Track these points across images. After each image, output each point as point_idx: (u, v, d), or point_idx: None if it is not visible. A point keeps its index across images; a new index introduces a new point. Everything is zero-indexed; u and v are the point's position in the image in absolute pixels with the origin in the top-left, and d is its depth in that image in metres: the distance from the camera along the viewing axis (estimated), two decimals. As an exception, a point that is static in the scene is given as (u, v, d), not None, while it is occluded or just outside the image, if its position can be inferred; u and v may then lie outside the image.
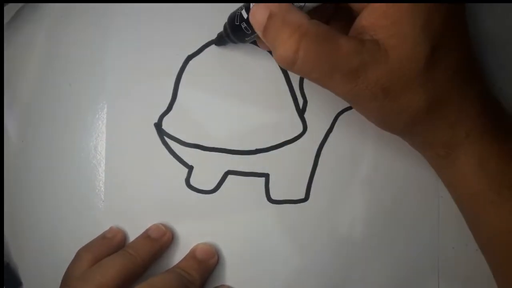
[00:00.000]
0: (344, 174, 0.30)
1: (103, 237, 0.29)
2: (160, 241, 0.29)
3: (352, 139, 0.29)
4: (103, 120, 0.30)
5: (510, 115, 0.25)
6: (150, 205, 0.30)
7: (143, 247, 0.28)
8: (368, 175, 0.30)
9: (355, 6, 0.22)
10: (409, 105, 0.22)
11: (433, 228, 0.29)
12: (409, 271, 0.30)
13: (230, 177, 0.30)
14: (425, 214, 0.29)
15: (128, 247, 0.28)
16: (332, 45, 0.21)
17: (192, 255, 0.29)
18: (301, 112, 0.30)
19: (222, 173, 0.30)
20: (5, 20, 0.30)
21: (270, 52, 0.29)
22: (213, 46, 0.29)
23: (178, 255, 0.29)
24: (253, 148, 0.30)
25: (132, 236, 0.30)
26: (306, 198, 0.30)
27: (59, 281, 0.27)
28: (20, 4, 0.31)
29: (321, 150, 0.30)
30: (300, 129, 0.30)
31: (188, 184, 0.29)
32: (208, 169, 0.29)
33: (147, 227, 0.29)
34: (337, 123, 0.29)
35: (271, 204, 0.30)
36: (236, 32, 0.26)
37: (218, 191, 0.29)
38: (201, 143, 0.30)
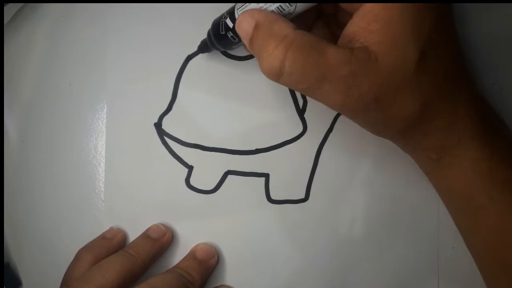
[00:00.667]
0: (344, 174, 0.30)
1: (103, 237, 0.29)
2: (160, 241, 0.29)
3: (352, 139, 0.29)
4: (103, 120, 0.30)
5: (499, 117, 0.25)
6: (150, 205, 0.30)
7: (143, 247, 0.28)
8: (368, 175, 0.30)
9: (348, 8, 0.22)
10: (401, 112, 0.22)
11: (433, 228, 0.29)
12: (409, 271, 0.30)
13: (230, 177, 0.30)
14: (425, 214, 0.29)
15: (128, 248, 0.28)
16: (319, 55, 0.20)
17: (192, 255, 0.29)
18: (301, 112, 0.30)
19: (222, 173, 0.30)
20: (5, 20, 0.30)
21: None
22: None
23: (178, 255, 0.29)
24: (253, 148, 0.30)
25: (132, 236, 0.30)
26: (306, 198, 0.30)
27: (59, 281, 0.27)
28: (20, 4, 0.31)
29: (321, 150, 0.30)
30: (300, 129, 0.30)
31: (188, 184, 0.29)
32: (208, 169, 0.29)
33: (147, 227, 0.29)
34: (337, 123, 0.29)
35: (271, 204, 0.30)
36: (221, 41, 0.25)
37: (218, 191, 0.29)
38: (201, 143, 0.30)
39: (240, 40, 0.23)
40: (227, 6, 0.29)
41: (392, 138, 0.25)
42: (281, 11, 0.21)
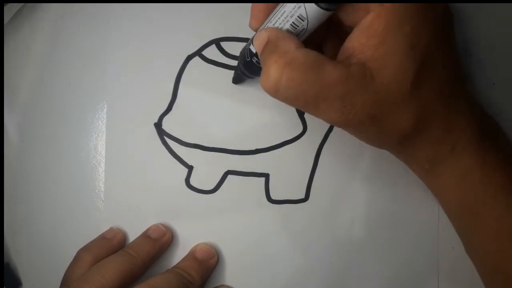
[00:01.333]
0: (344, 174, 0.30)
1: (103, 237, 0.29)
2: (160, 241, 0.29)
3: (352, 139, 0.29)
4: (103, 120, 0.30)
5: (495, 121, 0.25)
6: (150, 205, 0.30)
7: (143, 248, 0.28)
8: (368, 175, 0.30)
9: (347, 22, 0.22)
10: (396, 127, 0.22)
11: (433, 228, 0.29)
12: (409, 271, 0.30)
13: (230, 177, 0.30)
14: (425, 214, 0.29)
15: (128, 248, 0.28)
16: (317, 74, 0.20)
17: (192, 255, 0.29)
18: (301, 112, 0.30)
19: (222, 173, 0.30)
20: (5, 20, 0.30)
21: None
22: (213, 46, 0.29)
23: (178, 255, 0.29)
24: (253, 148, 0.30)
25: (132, 236, 0.30)
26: (306, 198, 0.30)
27: (59, 282, 0.27)
28: (20, 4, 0.31)
29: (321, 150, 0.30)
30: (300, 129, 0.30)
31: (188, 184, 0.29)
32: (208, 169, 0.29)
33: (147, 227, 0.29)
34: (337, 123, 0.29)
35: (271, 204, 0.30)
36: (249, 68, 0.25)
37: (218, 191, 0.29)
38: (201, 143, 0.30)
39: None
40: (226, 6, 0.30)
41: (388, 148, 0.25)
42: (295, 28, 0.21)
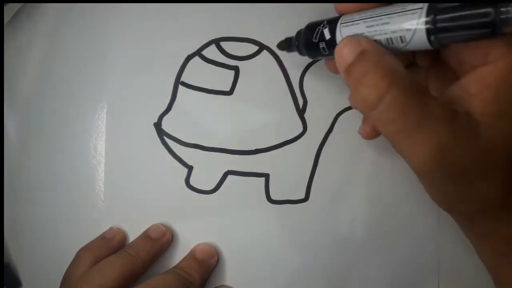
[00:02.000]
0: (344, 174, 0.30)
1: (103, 237, 0.29)
2: (160, 241, 0.29)
3: (352, 139, 0.29)
4: (103, 120, 0.30)
5: None
6: (150, 205, 0.30)
7: (143, 248, 0.28)
8: (368, 175, 0.29)
9: (459, 64, 0.20)
10: (484, 193, 0.20)
11: (433, 228, 0.29)
12: (409, 271, 0.29)
13: (230, 177, 0.30)
14: (425, 214, 0.29)
15: (128, 248, 0.28)
16: (423, 103, 0.18)
17: (192, 255, 0.29)
18: (301, 112, 0.30)
19: (222, 173, 0.30)
20: (5, 20, 0.30)
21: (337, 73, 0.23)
22: (213, 46, 0.29)
23: (178, 255, 0.29)
24: (253, 148, 0.29)
25: (132, 236, 0.30)
26: (306, 198, 0.29)
27: (59, 282, 0.27)
28: (20, 4, 0.31)
29: (321, 150, 0.30)
30: (300, 129, 0.30)
31: (188, 184, 0.29)
32: (208, 169, 0.29)
33: (147, 227, 0.29)
34: (337, 123, 0.29)
35: (271, 204, 0.30)
36: (310, 49, 0.23)
37: (218, 191, 0.29)
38: (201, 143, 0.30)
39: (330, 54, 0.21)
40: (226, 5, 0.30)
41: (460, 215, 0.23)
42: (388, 44, 0.20)
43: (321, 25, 0.22)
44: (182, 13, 0.30)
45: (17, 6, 0.30)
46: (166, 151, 0.29)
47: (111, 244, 0.29)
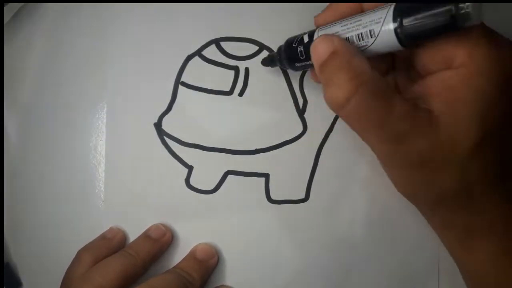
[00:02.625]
0: (344, 174, 0.30)
1: (103, 237, 0.29)
2: (160, 241, 0.29)
3: (352, 139, 0.29)
4: (103, 120, 0.30)
5: None
6: (150, 205, 0.30)
7: (143, 248, 0.28)
8: (368, 175, 0.29)
9: (421, 67, 0.22)
10: (441, 183, 0.22)
11: (433, 228, 0.29)
12: (409, 271, 0.30)
13: (230, 177, 0.30)
14: (425, 214, 0.29)
15: (128, 248, 0.28)
16: (386, 103, 0.20)
17: (192, 255, 0.29)
18: (301, 112, 0.30)
19: (222, 173, 0.30)
20: (5, 20, 0.30)
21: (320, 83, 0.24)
22: (213, 46, 0.29)
23: (178, 255, 0.29)
24: (253, 148, 0.29)
25: (132, 236, 0.29)
26: (306, 198, 0.29)
27: (59, 282, 0.27)
28: (20, 4, 0.31)
29: (321, 150, 0.30)
30: (300, 129, 0.30)
31: (188, 184, 0.29)
32: (208, 169, 0.29)
33: (147, 227, 0.29)
34: (337, 123, 0.29)
35: (271, 204, 0.30)
36: (289, 54, 0.25)
37: (218, 191, 0.29)
38: (201, 143, 0.30)
39: (307, 59, 0.23)
40: (226, 6, 0.30)
41: (420, 203, 0.25)
42: (359, 39, 0.21)
43: (302, 33, 0.24)
44: (182, 13, 0.30)
45: (17, 6, 0.30)
46: (166, 151, 0.29)
47: (111, 244, 0.29)
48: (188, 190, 0.29)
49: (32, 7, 0.31)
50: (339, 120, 0.29)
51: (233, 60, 0.29)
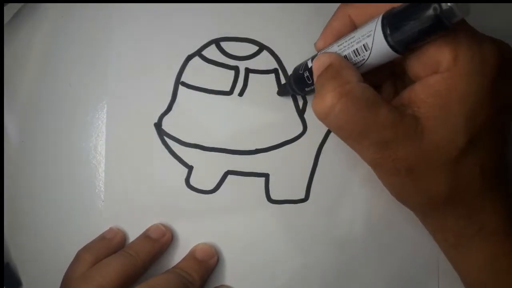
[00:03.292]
0: (344, 174, 0.30)
1: (102, 237, 0.29)
2: (160, 241, 0.29)
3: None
4: (103, 120, 0.30)
5: None
6: (150, 205, 0.30)
7: (143, 248, 0.28)
8: (368, 175, 0.29)
9: (412, 73, 0.22)
10: (429, 188, 0.22)
11: (433, 228, 0.29)
12: (409, 271, 0.30)
13: (230, 177, 0.30)
14: (425, 214, 0.29)
15: (128, 248, 0.28)
16: (371, 112, 0.21)
17: (191, 255, 0.29)
18: (301, 112, 0.30)
19: (222, 173, 0.30)
20: (5, 20, 0.30)
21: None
22: (213, 46, 0.29)
23: (178, 255, 0.29)
24: (253, 148, 0.29)
25: (132, 236, 0.29)
26: (306, 198, 0.29)
27: (59, 282, 0.27)
28: (20, 4, 0.31)
29: (321, 150, 0.30)
30: (300, 129, 0.30)
31: (188, 184, 0.29)
32: (208, 169, 0.29)
33: (147, 227, 0.29)
34: (337, 123, 0.29)
35: (271, 204, 0.30)
36: (297, 80, 0.26)
37: (218, 191, 0.29)
38: (201, 143, 0.30)
39: (313, 83, 0.24)
40: (226, 6, 0.30)
41: (413, 208, 0.25)
42: (356, 55, 0.22)
43: (307, 60, 0.25)
44: (182, 13, 0.30)
45: (17, 6, 0.30)
46: (166, 151, 0.29)
47: (111, 244, 0.29)
48: (188, 190, 0.29)
49: (32, 7, 0.31)
50: (339, 120, 0.29)
51: (233, 60, 0.29)
